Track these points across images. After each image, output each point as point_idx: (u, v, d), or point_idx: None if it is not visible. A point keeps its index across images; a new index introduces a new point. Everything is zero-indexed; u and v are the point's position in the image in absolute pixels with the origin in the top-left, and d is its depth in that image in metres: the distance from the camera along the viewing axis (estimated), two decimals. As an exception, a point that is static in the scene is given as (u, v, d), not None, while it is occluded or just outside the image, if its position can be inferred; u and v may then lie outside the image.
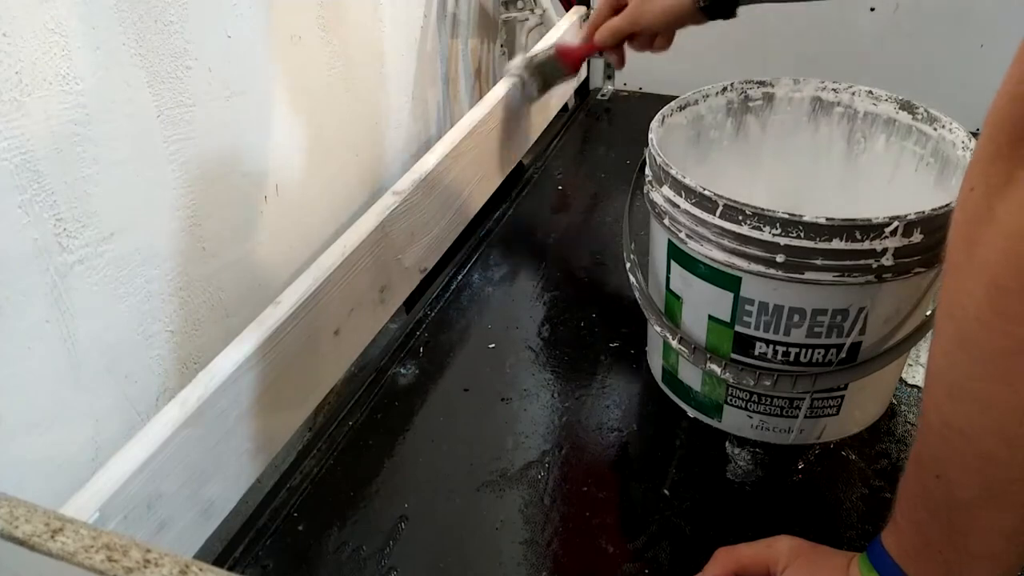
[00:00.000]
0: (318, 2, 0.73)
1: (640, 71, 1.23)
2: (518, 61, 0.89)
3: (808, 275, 0.53)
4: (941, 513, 0.41)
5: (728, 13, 0.70)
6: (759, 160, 0.73)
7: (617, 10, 0.77)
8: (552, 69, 0.88)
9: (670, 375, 0.67)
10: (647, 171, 0.63)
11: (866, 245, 0.51)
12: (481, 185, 0.92)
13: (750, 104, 0.71)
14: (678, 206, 0.57)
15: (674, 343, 0.62)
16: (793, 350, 0.57)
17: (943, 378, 0.39)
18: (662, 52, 0.78)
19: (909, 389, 0.68)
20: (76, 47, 0.49)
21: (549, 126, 1.12)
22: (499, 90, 0.92)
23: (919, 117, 0.65)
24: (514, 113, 0.93)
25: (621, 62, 0.83)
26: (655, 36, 0.77)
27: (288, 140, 0.72)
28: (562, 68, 0.87)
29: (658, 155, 0.59)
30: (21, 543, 0.30)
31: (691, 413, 0.66)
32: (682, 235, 0.57)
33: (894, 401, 0.67)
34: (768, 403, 0.61)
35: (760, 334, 0.57)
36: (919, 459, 0.42)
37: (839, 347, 0.57)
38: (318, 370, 0.65)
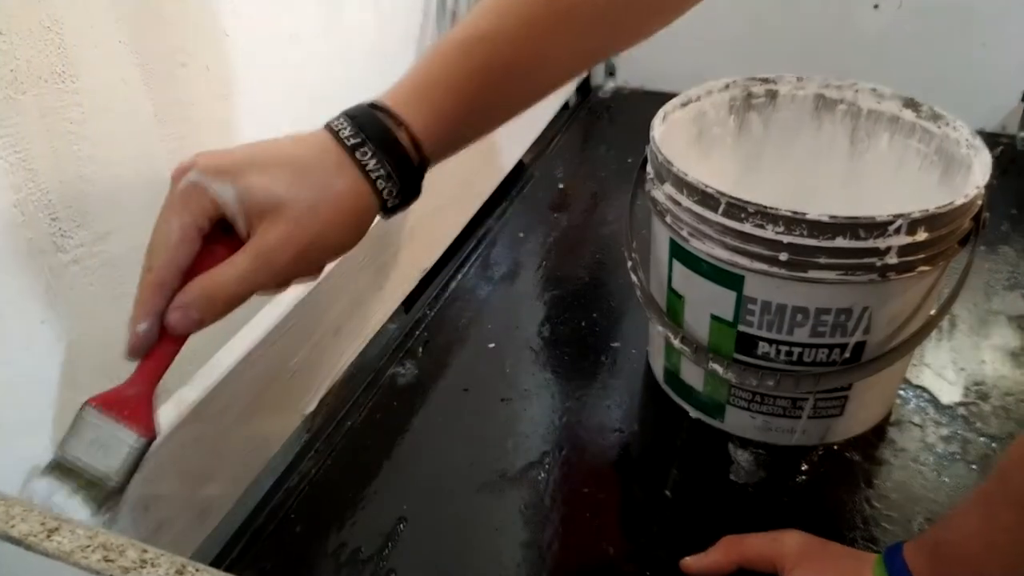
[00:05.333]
0: (317, 2, 0.73)
1: (642, 68, 1.23)
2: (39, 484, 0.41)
3: (812, 273, 0.52)
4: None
5: (415, 194, 0.48)
6: (762, 158, 0.73)
7: (194, 262, 0.41)
8: (107, 445, 0.41)
9: (672, 375, 0.67)
10: (648, 169, 0.62)
11: (870, 243, 0.51)
12: (481, 185, 0.92)
13: (753, 101, 0.70)
14: (680, 204, 0.56)
15: (676, 343, 0.61)
16: (796, 350, 0.57)
17: None
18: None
19: (913, 389, 0.68)
20: (72, 45, 0.49)
21: (549, 124, 1.12)
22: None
23: (923, 115, 0.64)
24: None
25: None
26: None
27: (287, 139, 0.71)
28: (124, 434, 0.41)
29: (659, 152, 0.58)
30: (17, 543, 0.30)
31: (693, 414, 0.66)
32: (684, 233, 0.57)
33: (898, 401, 0.66)
34: (771, 403, 0.60)
35: (763, 333, 0.57)
36: (991, 505, 0.41)
37: (843, 346, 0.56)
38: (316, 370, 0.65)
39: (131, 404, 0.41)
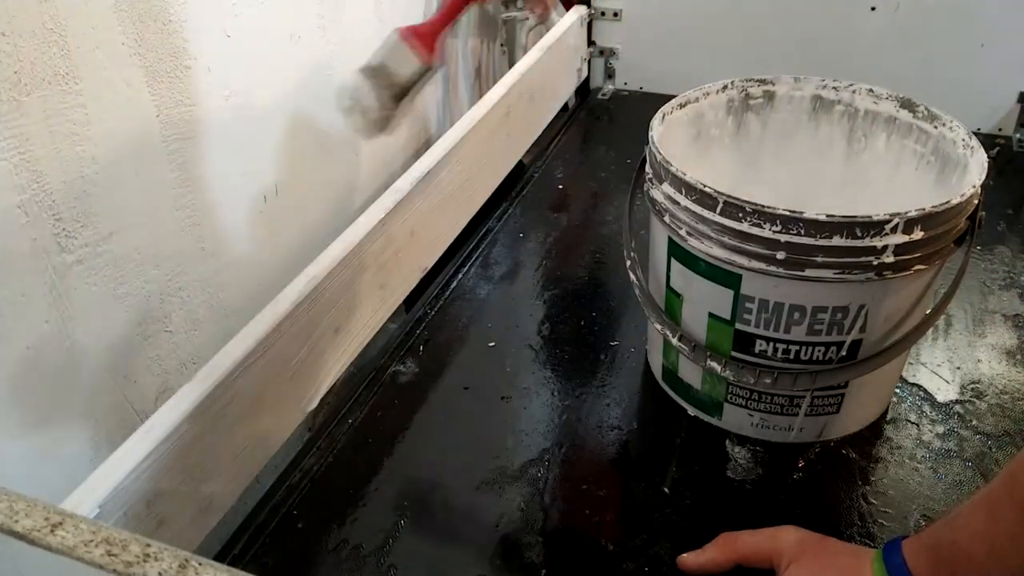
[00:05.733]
0: (318, 1, 0.73)
1: (641, 70, 1.23)
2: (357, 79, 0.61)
3: (809, 272, 0.53)
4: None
5: None
6: (760, 158, 0.73)
7: None
8: (400, 60, 0.60)
9: (670, 373, 0.67)
10: (647, 169, 0.63)
11: (867, 242, 0.51)
12: (481, 185, 0.92)
13: (751, 102, 0.71)
14: (678, 203, 0.57)
15: (674, 341, 0.62)
16: (793, 348, 0.57)
17: None
18: None
19: (910, 387, 0.68)
20: (75, 46, 0.49)
21: (549, 125, 1.12)
22: (494, 94, 0.92)
23: (919, 115, 0.65)
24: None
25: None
26: None
27: (288, 140, 0.72)
28: (412, 56, 0.60)
29: (658, 152, 0.59)
30: (21, 537, 0.30)
31: (691, 411, 0.66)
32: (682, 232, 0.57)
33: (895, 399, 0.67)
34: (768, 401, 0.61)
35: (760, 332, 0.57)
36: (994, 510, 0.41)
37: (840, 345, 0.57)
38: (318, 369, 0.65)
39: (423, 38, 0.59)
